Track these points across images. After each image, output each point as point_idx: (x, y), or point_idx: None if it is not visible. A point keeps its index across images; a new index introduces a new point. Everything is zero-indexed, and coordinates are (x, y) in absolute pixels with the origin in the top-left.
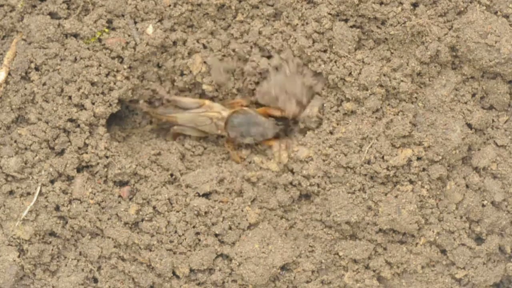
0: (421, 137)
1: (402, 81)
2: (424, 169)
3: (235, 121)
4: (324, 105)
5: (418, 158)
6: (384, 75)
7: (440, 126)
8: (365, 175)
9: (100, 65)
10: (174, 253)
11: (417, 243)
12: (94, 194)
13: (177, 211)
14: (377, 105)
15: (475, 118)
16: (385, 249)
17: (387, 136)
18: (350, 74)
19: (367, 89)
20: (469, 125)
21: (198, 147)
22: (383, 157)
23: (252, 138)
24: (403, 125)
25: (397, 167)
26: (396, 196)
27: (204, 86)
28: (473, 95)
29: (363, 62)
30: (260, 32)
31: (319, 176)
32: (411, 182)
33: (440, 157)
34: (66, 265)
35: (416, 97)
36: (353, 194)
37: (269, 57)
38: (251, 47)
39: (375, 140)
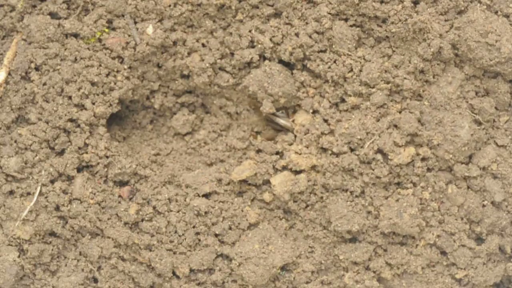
0: (430, 135)
1: (405, 78)
2: (428, 169)
3: None
4: (324, 104)
5: (423, 159)
6: (386, 71)
7: (448, 124)
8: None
9: (100, 65)
10: (174, 253)
11: (417, 245)
12: (94, 194)
13: (177, 211)
14: (383, 100)
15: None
16: (385, 250)
17: (392, 135)
18: (351, 70)
19: (370, 86)
20: (476, 122)
21: (199, 146)
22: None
23: None
24: (409, 124)
25: (401, 165)
26: (397, 200)
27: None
28: (475, 93)
29: (364, 59)
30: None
31: (314, 190)
32: (413, 183)
33: (450, 155)
34: (66, 265)
35: (420, 95)
36: (352, 202)
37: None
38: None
39: (377, 136)
